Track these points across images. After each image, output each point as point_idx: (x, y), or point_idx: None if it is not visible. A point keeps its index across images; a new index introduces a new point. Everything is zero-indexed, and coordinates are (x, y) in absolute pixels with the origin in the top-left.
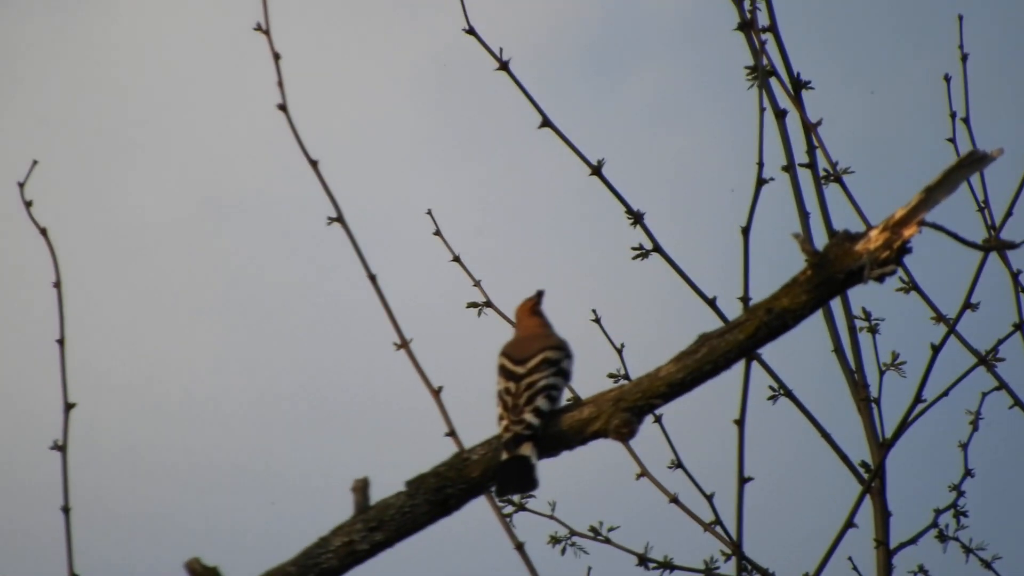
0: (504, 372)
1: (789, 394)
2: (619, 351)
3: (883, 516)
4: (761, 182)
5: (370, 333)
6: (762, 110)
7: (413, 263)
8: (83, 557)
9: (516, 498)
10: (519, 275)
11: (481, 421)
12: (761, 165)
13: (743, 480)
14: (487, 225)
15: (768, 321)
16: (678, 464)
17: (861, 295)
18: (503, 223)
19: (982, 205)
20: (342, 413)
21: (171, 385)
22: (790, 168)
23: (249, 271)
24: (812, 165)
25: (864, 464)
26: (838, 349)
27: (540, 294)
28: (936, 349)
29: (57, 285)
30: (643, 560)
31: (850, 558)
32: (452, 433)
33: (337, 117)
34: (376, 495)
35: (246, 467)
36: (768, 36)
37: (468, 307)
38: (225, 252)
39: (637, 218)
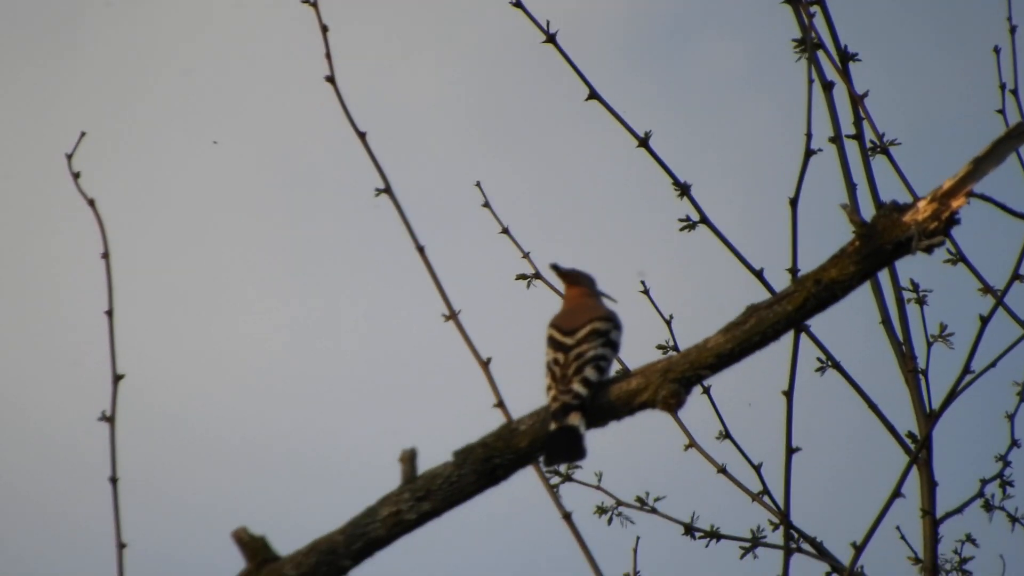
0: (553, 343)
1: (837, 366)
2: (667, 322)
3: (930, 486)
4: (809, 153)
5: (419, 305)
6: (810, 82)
7: (462, 235)
8: (131, 527)
9: (563, 468)
10: (568, 247)
11: (529, 392)
12: (809, 136)
13: (791, 451)
14: (536, 197)
15: (816, 292)
16: (726, 435)
17: (909, 266)
18: (552, 195)
19: None
20: (391, 384)
21: (220, 358)
22: (837, 140)
23: (296, 242)
24: (859, 137)
25: (911, 435)
26: (886, 321)
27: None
28: (984, 320)
29: (105, 256)
30: (689, 530)
31: (897, 527)
32: (500, 404)
33: (385, 89)
34: (423, 465)
35: (294, 438)
36: (816, 9)
37: (517, 279)
38: (273, 223)
39: (684, 190)
